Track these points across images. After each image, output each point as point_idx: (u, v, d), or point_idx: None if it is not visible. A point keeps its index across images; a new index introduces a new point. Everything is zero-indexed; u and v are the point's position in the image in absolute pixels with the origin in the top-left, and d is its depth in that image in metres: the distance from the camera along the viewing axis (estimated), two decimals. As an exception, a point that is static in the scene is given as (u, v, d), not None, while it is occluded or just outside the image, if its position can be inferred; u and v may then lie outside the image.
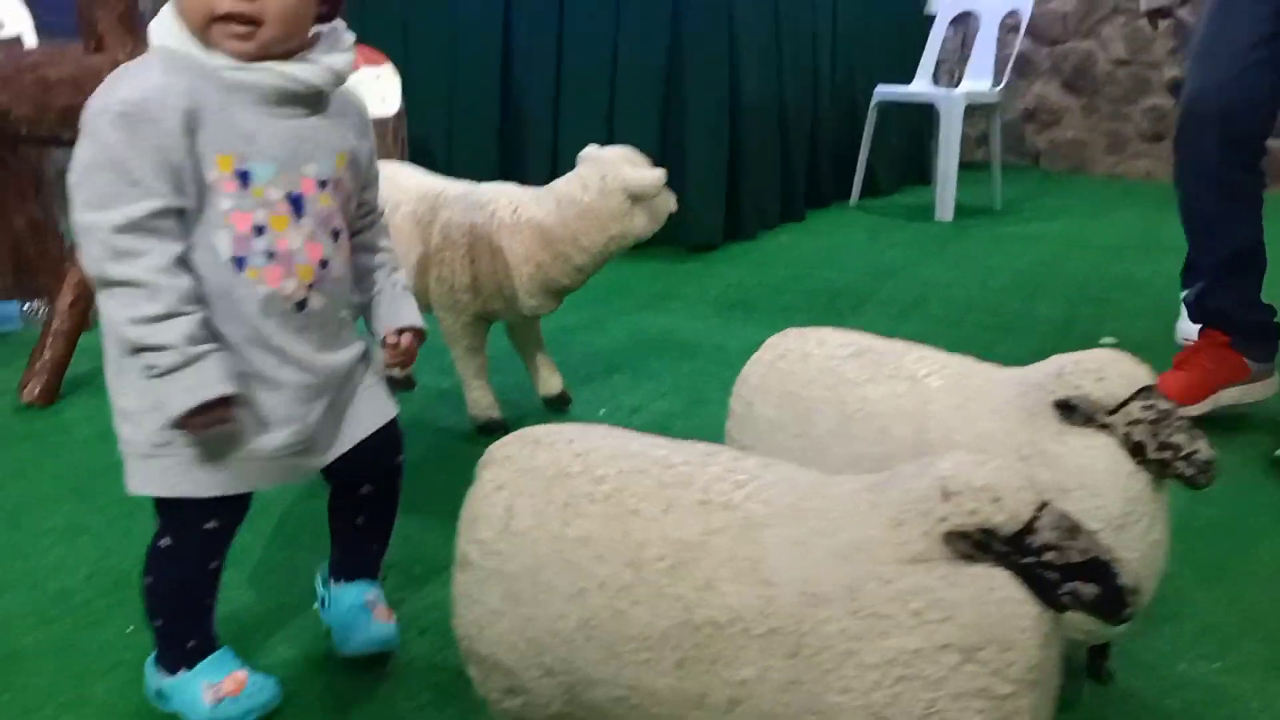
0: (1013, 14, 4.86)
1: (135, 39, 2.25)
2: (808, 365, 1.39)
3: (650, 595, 0.93)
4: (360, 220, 1.29)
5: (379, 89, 3.57)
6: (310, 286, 1.14)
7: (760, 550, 0.92)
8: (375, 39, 4.13)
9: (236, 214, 1.08)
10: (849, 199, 4.96)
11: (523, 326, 2.15)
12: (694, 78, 3.83)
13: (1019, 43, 5.02)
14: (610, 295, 3.24)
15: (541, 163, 4.17)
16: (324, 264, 1.15)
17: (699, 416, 2.24)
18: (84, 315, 2.33)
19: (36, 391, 2.26)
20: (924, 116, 5.13)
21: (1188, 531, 1.73)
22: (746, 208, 4.11)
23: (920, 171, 5.53)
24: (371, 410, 1.28)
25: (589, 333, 2.87)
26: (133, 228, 1.02)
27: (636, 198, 1.89)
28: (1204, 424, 1.22)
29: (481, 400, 2.10)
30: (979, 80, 4.84)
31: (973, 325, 2.94)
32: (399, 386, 2.38)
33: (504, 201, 1.97)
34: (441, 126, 4.36)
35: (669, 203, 1.97)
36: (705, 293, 3.33)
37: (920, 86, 4.93)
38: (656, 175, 1.89)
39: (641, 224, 1.93)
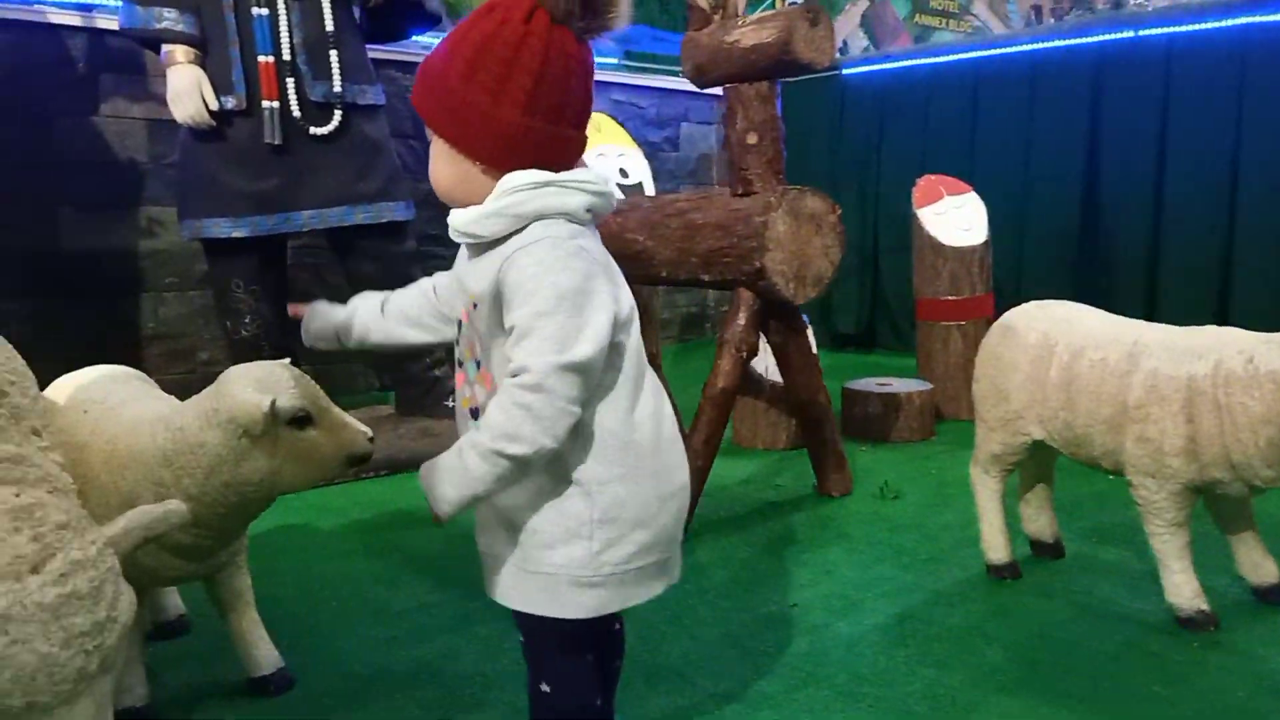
0: None
1: (781, 182, 2.25)
2: None
3: None
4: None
5: (963, 217, 3.39)
6: (472, 400, 1.22)
7: None
8: (949, 166, 4.00)
9: None
10: None
11: (1232, 499, 1.76)
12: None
13: None
14: None
15: (1133, 292, 3.73)
16: (469, 384, 1.22)
17: None
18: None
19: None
20: None
21: None
22: None
23: None
24: (500, 584, 1.24)
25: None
26: None
27: None
28: None
29: (1185, 587, 1.73)
30: None
31: None
32: (1048, 553, 2.08)
33: (1231, 349, 1.62)
34: (1012, 254, 4.09)
35: None
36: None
37: None
38: None
39: None
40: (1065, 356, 1.79)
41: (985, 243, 3.36)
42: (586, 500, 1.16)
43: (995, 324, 1.96)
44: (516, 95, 1.14)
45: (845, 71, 4.78)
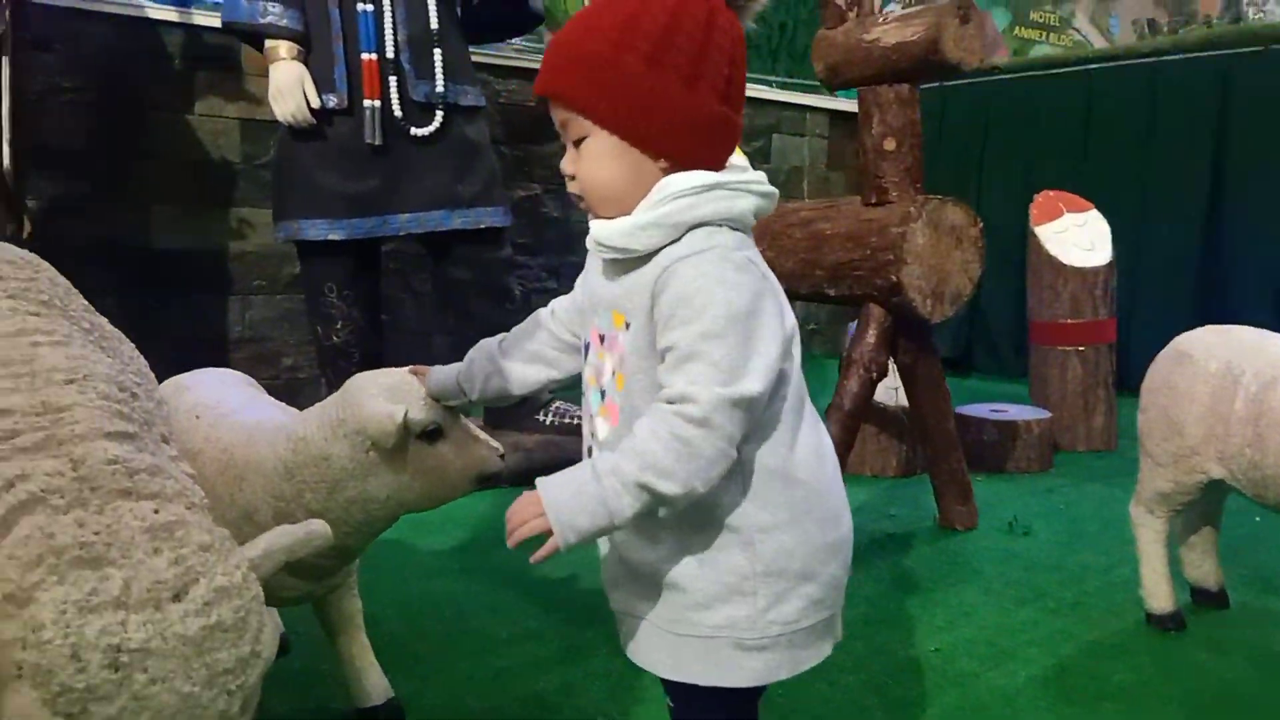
0: None
1: (919, 192, 2.11)
2: None
3: None
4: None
5: (1084, 236, 3.21)
6: (593, 435, 1.10)
7: None
8: (1057, 182, 3.82)
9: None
10: None
11: None
12: None
13: None
14: None
15: (1260, 319, 3.51)
16: (590, 418, 1.10)
17: None
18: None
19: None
20: None
21: None
22: None
23: None
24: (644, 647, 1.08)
25: None
26: None
27: None
28: None
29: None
30: None
31: None
32: (1212, 601, 1.90)
33: None
34: (1127, 275, 3.90)
35: None
36: None
37: None
38: None
39: None
40: (1253, 387, 1.62)
41: (1109, 264, 3.17)
42: (747, 551, 1.01)
43: (1167, 349, 1.79)
44: (714, 81, 1.02)
45: (946, 82, 4.62)
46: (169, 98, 3.31)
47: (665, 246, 1.02)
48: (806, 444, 1.05)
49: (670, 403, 0.96)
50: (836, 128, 5.00)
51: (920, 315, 2.05)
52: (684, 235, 1.02)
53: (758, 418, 1.00)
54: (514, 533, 0.98)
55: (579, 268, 1.19)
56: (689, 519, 1.02)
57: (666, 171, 1.04)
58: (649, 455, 0.95)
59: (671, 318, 0.98)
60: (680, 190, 1.01)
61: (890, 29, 1.98)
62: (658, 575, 1.04)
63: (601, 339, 1.09)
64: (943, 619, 1.89)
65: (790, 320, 1.05)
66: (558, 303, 1.25)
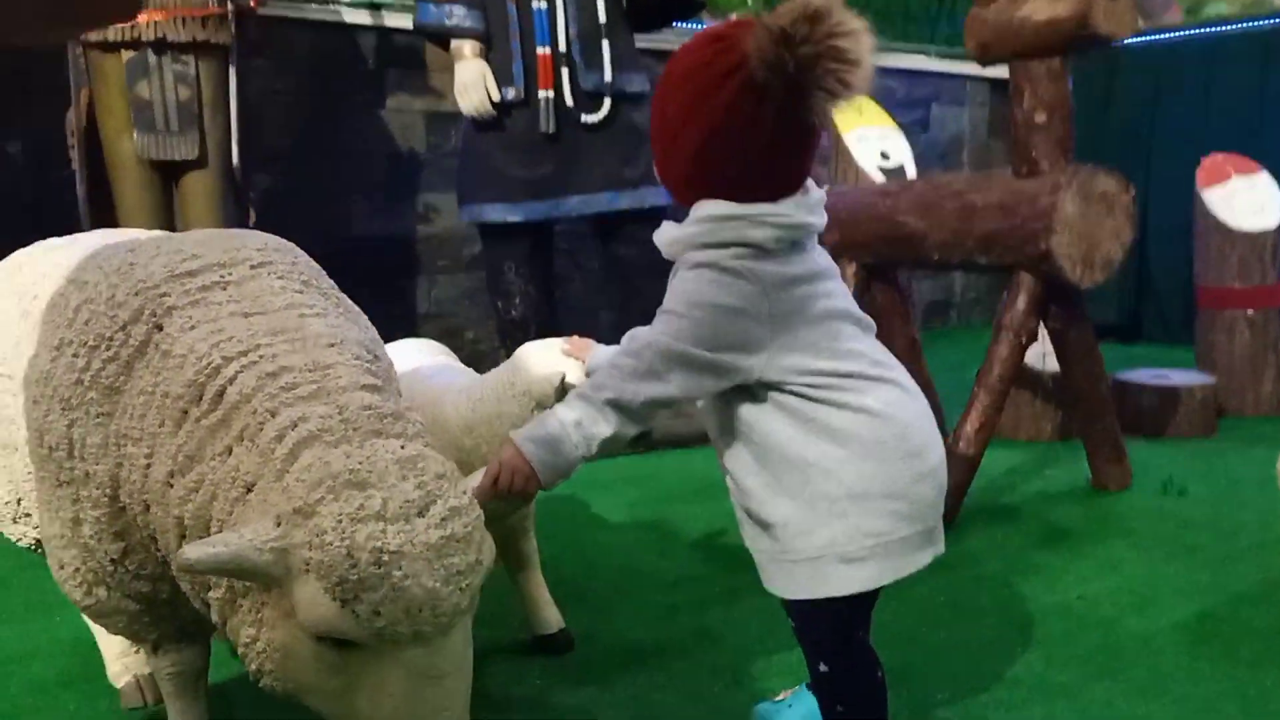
0: None
1: (1070, 163, 2.17)
2: None
3: None
4: None
5: (1253, 199, 3.15)
6: None
7: None
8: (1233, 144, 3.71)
9: None
10: None
11: None
12: None
13: None
14: None
15: None
16: None
17: None
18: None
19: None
20: None
21: None
22: None
23: None
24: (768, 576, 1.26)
25: None
26: None
27: None
28: None
29: None
30: None
31: None
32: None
33: None
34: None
35: None
36: None
37: None
38: None
39: None
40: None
41: (1279, 227, 3.10)
42: (830, 480, 1.16)
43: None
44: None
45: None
46: (363, 96, 3.63)
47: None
48: (880, 396, 1.18)
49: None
50: (998, 95, 4.96)
51: (1070, 281, 2.12)
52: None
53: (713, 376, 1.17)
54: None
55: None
56: (772, 465, 1.19)
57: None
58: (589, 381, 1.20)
59: None
60: (703, 216, 1.18)
61: (1040, 5, 2.05)
62: (764, 515, 1.21)
63: None
64: (1088, 571, 1.98)
65: (835, 304, 1.19)
66: None
